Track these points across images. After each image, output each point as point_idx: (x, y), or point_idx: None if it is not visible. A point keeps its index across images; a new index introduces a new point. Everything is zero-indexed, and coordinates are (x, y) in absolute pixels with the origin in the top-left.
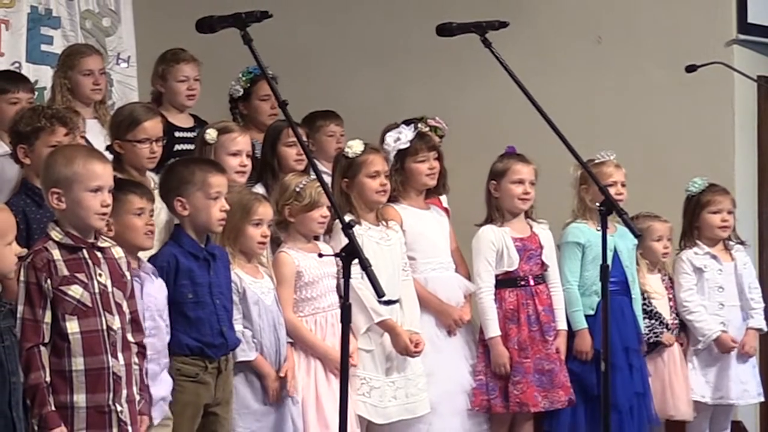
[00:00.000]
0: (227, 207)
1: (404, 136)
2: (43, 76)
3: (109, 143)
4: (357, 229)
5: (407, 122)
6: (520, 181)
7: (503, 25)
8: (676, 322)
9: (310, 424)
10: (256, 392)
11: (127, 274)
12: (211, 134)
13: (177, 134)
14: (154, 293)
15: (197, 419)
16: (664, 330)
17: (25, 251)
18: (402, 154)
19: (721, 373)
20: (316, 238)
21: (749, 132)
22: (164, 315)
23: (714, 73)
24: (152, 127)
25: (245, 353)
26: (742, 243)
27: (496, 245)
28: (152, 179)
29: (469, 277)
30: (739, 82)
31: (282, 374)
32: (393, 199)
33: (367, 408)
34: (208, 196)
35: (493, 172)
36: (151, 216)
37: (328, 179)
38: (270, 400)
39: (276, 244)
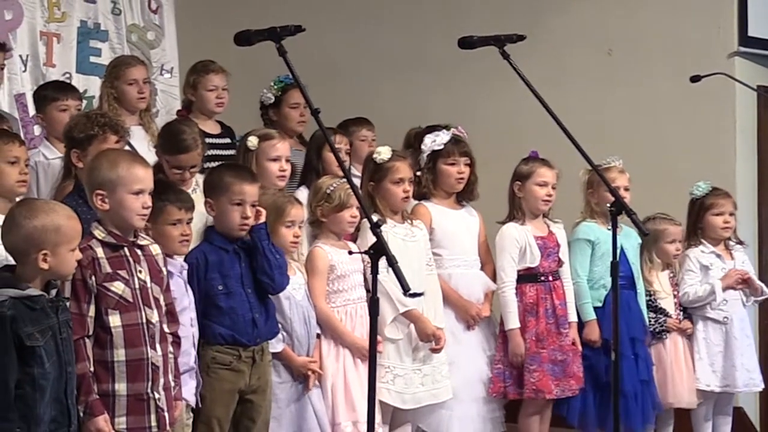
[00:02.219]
0: (250, 214)
1: (440, 138)
2: (92, 85)
3: (153, 148)
4: (383, 227)
5: (431, 128)
6: (544, 184)
7: (521, 38)
8: (680, 318)
9: (339, 407)
10: (282, 381)
11: (164, 269)
12: (252, 141)
13: (206, 140)
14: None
15: (232, 405)
16: (668, 318)
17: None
18: (435, 155)
19: (727, 362)
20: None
21: (749, 138)
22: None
23: (717, 83)
24: (187, 159)
25: (272, 345)
26: (740, 243)
27: (519, 242)
28: (194, 181)
29: (494, 274)
30: (740, 92)
31: (313, 361)
32: (424, 196)
33: (391, 395)
34: (231, 201)
35: (518, 174)
36: (188, 224)
37: (358, 182)
38: (302, 384)
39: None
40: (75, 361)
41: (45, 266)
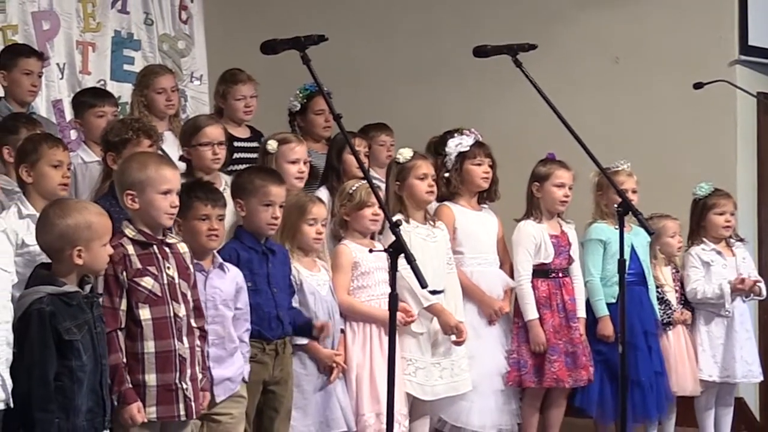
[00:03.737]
0: (278, 215)
1: (465, 141)
2: (125, 92)
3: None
4: (406, 227)
5: (447, 133)
6: (562, 185)
7: (532, 47)
8: (682, 310)
9: (363, 398)
10: (307, 373)
11: (191, 266)
12: (272, 145)
13: (236, 144)
14: (219, 285)
15: (257, 395)
16: (674, 310)
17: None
18: (461, 157)
19: (727, 353)
20: (372, 237)
21: (750, 142)
22: (233, 303)
23: (718, 89)
24: (212, 131)
25: (299, 338)
26: (741, 240)
27: (536, 238)
28: (224, 181)
29: (512, 271)
30: (741, 98)
31: (339, 354)
32: (450, 197)
33: (413, 386)
34: (261, 202)
35: (536, 175)
36: (220, 220)
37: (378, 183)
38: (327, 375)
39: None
40: (108, 353)
41: (80, 262)
